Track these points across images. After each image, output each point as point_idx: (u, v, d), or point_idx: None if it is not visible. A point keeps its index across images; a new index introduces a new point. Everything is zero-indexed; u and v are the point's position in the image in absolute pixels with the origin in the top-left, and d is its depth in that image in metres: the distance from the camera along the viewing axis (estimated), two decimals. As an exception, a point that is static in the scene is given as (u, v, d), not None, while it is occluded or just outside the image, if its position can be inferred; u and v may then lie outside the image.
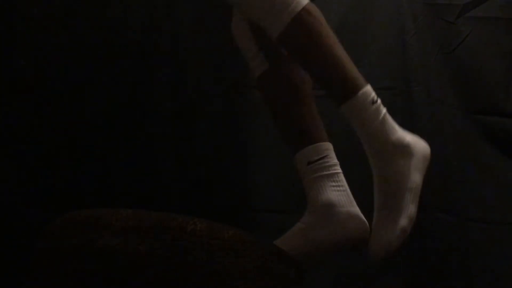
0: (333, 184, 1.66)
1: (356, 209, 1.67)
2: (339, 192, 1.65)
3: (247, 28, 1.74)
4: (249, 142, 2.30)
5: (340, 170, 1.68)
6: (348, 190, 1.68)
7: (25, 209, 2.10)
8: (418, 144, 1.64)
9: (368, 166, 2.25)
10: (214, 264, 1.36)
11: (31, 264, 1.42)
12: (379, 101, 1.60)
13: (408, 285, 2.33)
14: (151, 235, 1.34)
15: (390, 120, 1.61)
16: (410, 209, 1.59)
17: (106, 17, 2.26)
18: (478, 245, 2.32)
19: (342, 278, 2.31)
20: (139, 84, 2.26)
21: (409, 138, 1.63)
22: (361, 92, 1.58)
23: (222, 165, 2.28)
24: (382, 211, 1.61)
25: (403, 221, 1.58)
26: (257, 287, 1.41)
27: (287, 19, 1.58)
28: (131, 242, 1.33)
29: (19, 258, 1.86)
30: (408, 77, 2.37)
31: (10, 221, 2.09)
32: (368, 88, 1.60)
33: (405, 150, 1.61)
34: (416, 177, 1.61)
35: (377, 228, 1.60)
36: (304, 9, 1.59)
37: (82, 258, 1.34)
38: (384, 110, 1.61)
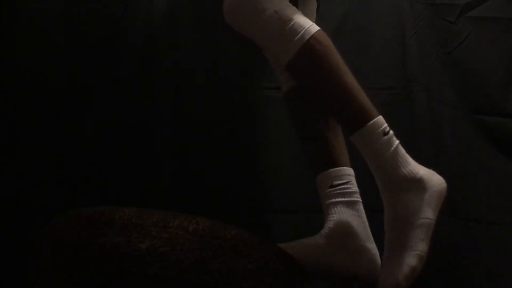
0: (354, 213, 1.64)
1: (373, 246, 1.64)
2: (358, 223, 1.63)
3: None
4: (253, 142, 2.30)
5: (360, 199, 1.66)
6: (366, 222, 1.65)
7: (26, 207, 2.10)
8: (433, 178, 1.60)
9: (367, 166, 2.29)
10: (216, 264, 1.36)
11: (33, 262, 1.43)
12: (391, 132, 1.57)
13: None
14: (153, 233, 1.34)
15: (402, 152, 1.58)
16: (420, 247, 1.54)
17: (105, 17, 2.26)
18: (478, 245, 2.32)
19: (342, 278, 2.31)
20: (139, 84, 2.26)
21: (423, 171, 1.59)
22: (371, 122, 1.55)
23: (226, 165, 2.27)
24: (392, 247, 1.56)
25: (412, 260, 1.53)
26: (259, 287, 1.40)
27: (295, 48, 1.56)
28: (133, 240, 1.33)
29: (21, 256, 1.86)
30: (408, 77, 2.36)
31: (11, 219, 2.09)
32: (380, 119, 1.57)
33: (417, 184, 1.56)
34: (428, 214, 1.56)
35: (386, 265, 1.56)
36: (313, 37, 1.58)
37: (84, 256, 1.34)
38: (396, 142, 1.57)
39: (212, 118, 2.28)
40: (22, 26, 2.22)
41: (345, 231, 1.62)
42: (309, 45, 1.56)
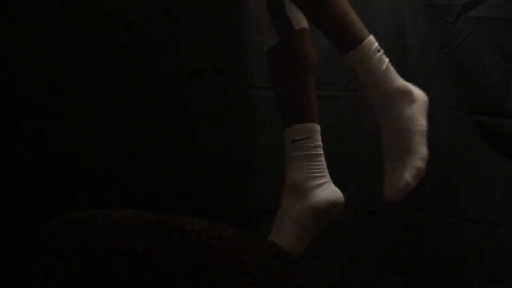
0: (310, 163, 1.70)
1: (325, 180, 1.70)
2: (313, 170, 1.69)
3: (263, 2, 1.77)
4: (249, 142, 2.30)
5: (321, 151, 1.72)
6: (325, 169, 1.71)
7: (23, 209, 2.10)
8: (417, 91, 1.71)
9: (367, 166, 2.29)
10: (213, 263, 1.37)
11: (31, 264, 1.43)
12: (382, 50, 1.67)
13: (408, 285, 2.33)
14: (150, 235, 1.35)
15: (392, 68, 1.68)
16: (422, 150, 1.65)
17: (104, 16, 2.26)
18: (478, 245, 2.32)
19: (342, 278, 2.31)
20: (138, 82, 2.26)
21: (410, 85, 1.70)
22: (366, 40, 1.64)
23: (222, 165, 2.28)
24: (393, 155, 1.66)
25: (418, 162, 1.64)
26: (257, 286, 1.41)
27: None
28: (130, 242, 1.34)
29: (19, 258, 1.86)
30: (407, 77, 2.35)
31: (10, 221, 2.09)
32: (372, 38, 1.66)
33: (408, 95, 1.67)
34: (422, 121, 1.67)
35: (391, 172, 1.66)
36: None
37: (82, 258, 1.35)
38: (387, 59, 1.67)
39: (211, 118, 2.28)
40: (21, 24, 2.22)
41: (298, 181, 1.69)
42: None
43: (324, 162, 1.72)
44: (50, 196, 2.12)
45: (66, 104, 2.21)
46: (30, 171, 2.15)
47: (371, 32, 2.36)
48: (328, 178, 1.71)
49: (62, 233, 1.39)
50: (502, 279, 2.30)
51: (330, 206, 1.69)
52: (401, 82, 1.68)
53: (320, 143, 1.73)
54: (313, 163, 1.70)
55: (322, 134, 1.73)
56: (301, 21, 1.77)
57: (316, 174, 1.70)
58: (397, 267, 2.32)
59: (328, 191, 1.70)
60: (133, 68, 2.25)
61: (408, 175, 1.63)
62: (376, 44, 1.67)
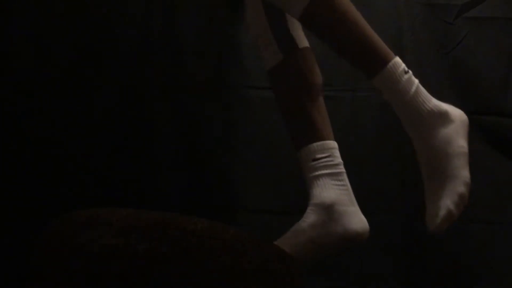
0: (336, 183, 1.66)
1: (356, 208, 1.67)
2: (341, 191, 1.66)
3: (263, 19, 1.73)
4: (248, 142, 2.30)
5: (343, 170, 1.69)
6: (350, 189, 1.68)
7: (24, 208, 2.10)
8: (455, 111, 1.64)
9: (367, 167, 2.29)
10: (214, 264, 1.36)
11: (32, 264, 1.43)
12: (410, 72, 1.60)
13: (408, 285, 2.32)
14: (151, 235, 1.35)
15: (423, 89, 1.61)
16: (463, 174, 1.59)
17: (103, 15, 2.26)
18: (478, 245, 2.32)
19: (342, 278, 2.31)
20: (136, 83, 2.26)
21: (445, 105, 1.63)
22: (392, 62, 1.58)
23: (221, 165, 2.27)
24: (432, 182, 1.59)
25: (460, 188, 1.58)
26: (258, 287, 1.40)
27: None
28: (131, 241, 1.33)
29: (20, 258, 1.86)
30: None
31: (10, 221, 2.09)
32: (398, 59, 1.60)
33: (444, 117, 1.60)
34: (461, 142, 1.61)
35: (431, 201, 1.58)
36: None
37: (82, 258, 1.34)
38: (416, 81, 1.60)
39: (210, 118, 2.28)
40: (18, 24, 2.22)
41: (328, 202, 1.65)
42: None
43: (348, 182, 1.67)
44: (50, 196, 2.12)
45: (66, 104, 2.21)
46: (30, 170, 2.15)
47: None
48: (356, 204, 1.67)
49: (63, 233, 1.39)
50: (502, 279, 2.30)
51: (356, 238, 1.65)
52: (434, 103, 1.60)
53: (341, 160, 1.69)
54: (340, 183, 1.66)
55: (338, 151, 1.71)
56: (304, 40, 1.74)
57: (346, 197, 1.65)
58: (397, 267, 2.32)
59: (356, 220, 1.66)
60: (132, 68, 2.25)
61: (449, 203, 1.56)
62: (403, 65, 1.59)
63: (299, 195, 2.15)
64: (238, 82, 2.31)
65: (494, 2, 2.36)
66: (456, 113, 1.63)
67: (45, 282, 1.36)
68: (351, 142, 2.31)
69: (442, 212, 1.56)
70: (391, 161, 2.29)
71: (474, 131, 2.35)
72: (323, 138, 1.69)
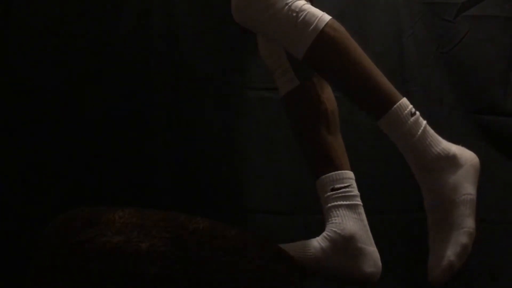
0: (356, 216, 1.64)
1: (374, 249, 1.65)
2: (360, 226, 1.64)
3: (276, 45, 1.71)
4: (248, 142, 2.29)
5: (361, 203, 1.66)
6: (367, 225, 1.65)
7: (25, 208, 2.10)
8: (465, 154, 1.59)
9: (367, 167, 2.28)
10: (216, 263, 1.36)
11: (33, 262, 1.42)
12: (417, 113, 1.56)
13: (408, 285, 2.32)
14: (153, 233, 1.34)
15: (431, 132, 1.57)
16: (467, 223, 1.53)
17: (103, 15, 2.25)
18: (478, 245, 2.31)
19: (343, 281, 2.30)
20: (137, 83, 2.25)
21: (455, 148, 1.58)
22: (397, 104, 1.54)
23: (221, 165, 2.27)
24: (437, 229, 1.55)
25: (463, 238, 1.53)
26: (259, 287, 1.40)
27: (311, 38, 1.55)
28: (133, 240, 1.33)
29: (21, 257, 1.85)
30: (406, 77, 2.37)
31: (11, 220, 2.08)
32: (404, 101, 1.56)
33: (452, 161, 1.55)
34: (468, 189, 1.54)
35: (435, 249, 1.56)
36: (328, 25, 1.58)
37: (84, 256, 1.33)
38: (424, 123, 1.56)
39: (210, 118, 2.28)
40: (18, 26, 2.21)
41: (347, 235, 1.63)
42: (325, 33, 1.56)
43: (365, 216, 1.65)
44: (50, 196, 2.12)
45: (67, 103, 2.21)
46: (31, 169, 2.15)
47: (369, 31, 2.38)
48: (374, 244, 1.65)
49: (63, 232, 1.38)
50: (503, 279, 2.30)
51: (366, 280, 1.63)
52: (442, 146, 1.56)
53: (358, 192, 1.67)
54: (358, 217, 1.63)
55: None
56: None
57: (365, 235, 1.63)
58: (397, 267, 2.31)
59: (372, 263, 1.64)
60: (132, 68, 2.25)
61: (451, 254, 1.52)
62: (410, 107, 1.55)
63: (300, 195, 2.15)
64: (238, 83, 2.30)
65: (494, 0, 2.37)
66: (466, 156, 1.58)
67: (45, 281, 1.36)
68: (351, 142, 2.29)
69: (443, 263, 1.53)
70: (391, 161, 2.28)
71: (474, 130, 2.37)
72: (341, 168, 1.67)
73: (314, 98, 1.70)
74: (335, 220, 1.63)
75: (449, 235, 1.52)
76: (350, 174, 1.69)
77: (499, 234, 2.31)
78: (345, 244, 1.62)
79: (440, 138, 1.57)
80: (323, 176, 1.67)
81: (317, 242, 1.64)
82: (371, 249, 1.65)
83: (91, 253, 1.32)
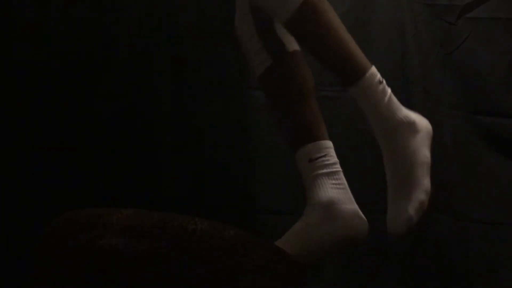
0: (333, 182, 1.68)
1: (355, 207, 1.69)
2: (338, 190, 1.67)
3: (251, 24, 1.75)
4: (252, 142, 2.30)
5: (340, 168, 1.70)
6: (348, 188, 1.69)
7: (24, 208, 2.10)
8: (422, 121, 1.68)
9: (367, 167, 2.29)
10: (214, 264, 1.37)
11: (33, 264, 1.43)
12: (384, 81, 1.64)
13: (408, 285, 2.33)
14: (152, 235, 1.35)
15: (395, 99, 1.65)
16: (425, 183, 1.63)
17: (104, 16, 2.26)
18: (478, 245, 2.32)
19: (342, 278, 2.31)
20: (139, 84, 2.26)
21: (413, 115, 1.67)
22: (369, 72, 1.62)
23: (225, 166, 2.28)
24: (396, 188, 1.64)
25: (421, 195, 1.62)
26: (259, 287, 1.41)
27: (297, 3, 1.59)
28: (131, 241, 1.34)
29: (21, 257, 1.86)
30: (407, 78, 2.37)
31: (11, 220, 2.09)
32: (374, 69, 1.63)
33: (412, 127, 1.65)
34: (425, 152, 1.65)
35: (394, 205, 1.64)
36: None
37: (83, 258, 1.34)
38: (389, 90, 1.64)
39: (210, 118, 2.29)
40: (20, 26, 2.22)
41: (325, 201, 1.66)
42: (310, 1, 1.60)
43: (345, 180, 1.69)
44: (50, 196, 2.13)
45: (67, 103, 2.21)
46: (31, 170, 2.15)
47: (372, 33, 2.39)
48: (355, 203, 1.69)
49: (63, 233, 1.39)
50: (503, 279, 2.30)
51: (357, 237, 1.66)
52: (404, 113, 1.65)
53: (337, 159, 1.71)
54: (337, 182, 1.67)
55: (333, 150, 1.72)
56: (293, 43, 1.75)
57: (344, 196, 1.67)
58: (397, 267, 2.33)
59: (358, 219, 1.67)
60: (133, 68, 2.25)
61: (410, 209, 1.61)
62: (378, 75, 1.63)
63: (302, 195, 2.16)
64: (240, 82, 2.31)
65: (496, 2, 2.36)
66: (422, 122, 1.68)
67: (45, 282, 1.37)
68: (352, 142, 2.32)
69: (403, 217, 1.61)
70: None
71: (474, 130, 2.37)
72: (318, 138, 1.70)
73: (285, 75, 1.74)
74: (313, 191, 1.67)
75: (409, 193, 1.61)
76: (327, 143, 1.71)
77: (499, 234, 2.32)
78: (326, 212, 1.66)
79: (401, 106, 1.66)
80: (300, 149, 1.71)
81: (302, 221, 1.68)
82: (352, 207, 1.68)
83: (89, 255, 1.33)
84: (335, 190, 1.67)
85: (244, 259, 1.40)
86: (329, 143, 1.71)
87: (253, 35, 1.75)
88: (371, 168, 2.27)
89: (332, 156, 1.70)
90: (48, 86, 2.21)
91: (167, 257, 1.34)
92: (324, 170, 1.68)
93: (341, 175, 1.70)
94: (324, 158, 1.69)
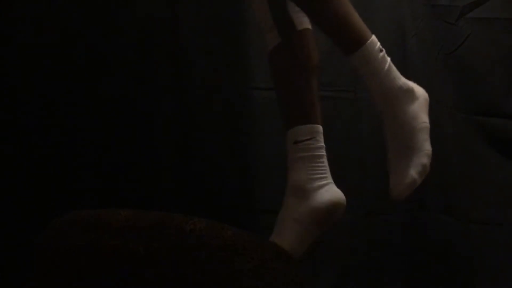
0: (313, 165, 1.70)
1: (326, 181, 1.70)
2: (314, 171, 1.69)
3: (265, 2, 1.78)
4: (250, 142, 2.30)
5: (324, 153, 1.71)
6: (329, 173, 1.71)
7: (25, 209, 2.11)
8: (419, 88, 1.73)
9: (367, 167, 2.29)
10: (213, 264, 1.37)
11: (32, 264, 1.43)
12: (383, 50, 1.68)
13: (408, 285, 2.33)
14: (151, 235, 1.35)
15: (394, 67, 1.69)
16: (426, 147, 1.67)
17: (106, 13, 2.26)
18: (478, 245, 2.32)
19: (342, 278, 2.31)
20: (139, 83, 2.26)
21: (411, 83, 1.72)
22: (369, 41, 1.65)
23: (225, 166, 2.28)
24: (398, 154, 1.67)
25: (423, 159, 1.66)
26: (257, 286, 1.41)
27: None
28: (130, 242, 1.34)
29: (20, 258, 1.87)
30: (408, 78, 2.36)
31: (10, 221, 2.09)
32: (374, 38, 1.67)
33: (411, 93, 1.69)
34: (424, 118, 1.69)
35: (397, 169, 1.67)
36: None
37: (82, 258, 1.34)
38: (389, 59, 1.68)
39: (212, 119, 2.29)
40: (20, 25, 2.22)
41: (300, 183, 1.69)
42: None
43: (326, 163, 1.71)
44: (51, 196, 2.13)
45: (67, 104, 2.21)
46: (31, 170, 2.16)
47: (373, 33, 2.38)
48: (330, 179, 1.71)
49: (63, 233, 1.39)
50: (502, 279, 2.31)
51: (332, 208, 1.68)
52: (403, 80, 1.70)
53: (322, 144, 1.73)
54: (316, 165, 1.70)
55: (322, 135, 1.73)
56: (304, 22, 1.77)
57: (318, 176, 1.70)
58: (397, 267, 2.33)
59: (330, 192, 1.69)
60: (133, 68, 2.25)
61: (414, 172, 1.64)
62: (378, 44, 1.67)
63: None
64: (240, 83, 2.31)
65: (496, 3, 2.37)
66: (419, 90, 1.73)
67: (45, 283, 1.37)
68: (352, 142, 2.32)
69: (407, 180, 1.65)
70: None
71: (475, 131, 2.37)
72: (309, 122, 1.72)
73: (291, 53, 1.77)
74: (291, 173, 1.70)
75: (411, 157, 1.65)
76: (316, 127, 1.73)
77: (499, 234, 2.32)
78: (301, 192, 1.68)
79: (400, 74, 1.70)
80: (289, 130, 1.73)
81: (283, 208, 1.70)
82: (323, 182, 1.70)
83: (89, 256, 1.33)
84: (312, 171, 1.69)
85: (243, 259, 1.40)
86: (319, 128, 1.73)
87: (266, 12, 1.78)
88: (370, 168, 2.28)
89: (317, 141, 1.72)
90: (48, 86, 2.21)
91: (165, 257, 1.34)
92: (306, 154, 1.70)
93: (324, 159, 1.72)
94: (309, 142, 1.71)
